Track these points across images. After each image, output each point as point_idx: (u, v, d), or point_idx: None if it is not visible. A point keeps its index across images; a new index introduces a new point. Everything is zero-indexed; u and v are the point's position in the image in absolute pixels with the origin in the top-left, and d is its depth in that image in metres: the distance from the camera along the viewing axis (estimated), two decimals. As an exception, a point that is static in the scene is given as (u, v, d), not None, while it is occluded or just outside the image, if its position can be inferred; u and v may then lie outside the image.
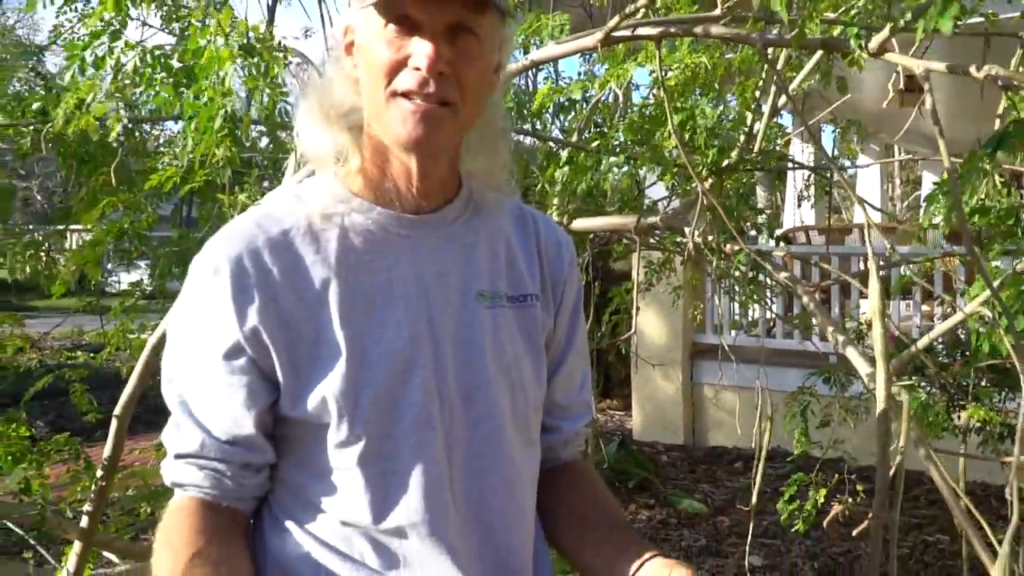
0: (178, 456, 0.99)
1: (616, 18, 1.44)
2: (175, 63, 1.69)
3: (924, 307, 5.84)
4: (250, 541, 1.02)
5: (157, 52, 1.74)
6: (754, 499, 2.37)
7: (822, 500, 2.94)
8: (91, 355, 3.55)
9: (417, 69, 0.92)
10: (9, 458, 2.28)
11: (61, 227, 3.98)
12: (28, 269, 2.98)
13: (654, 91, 2.10)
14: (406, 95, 0.93)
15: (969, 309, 1.45)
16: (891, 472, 1.44)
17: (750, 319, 6.59)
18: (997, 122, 1.56)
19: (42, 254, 3.03)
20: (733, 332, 6.60)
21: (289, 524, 1.01)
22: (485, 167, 1.08)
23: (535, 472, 1.11)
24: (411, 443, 0.98)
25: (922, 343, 1.61)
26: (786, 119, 5.92)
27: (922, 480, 5.45)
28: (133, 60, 1.73)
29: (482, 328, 1.04)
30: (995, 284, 1.45)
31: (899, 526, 4.99)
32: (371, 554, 0.98)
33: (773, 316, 6.24)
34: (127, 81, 1.80)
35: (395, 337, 0.98)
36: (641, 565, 1.00)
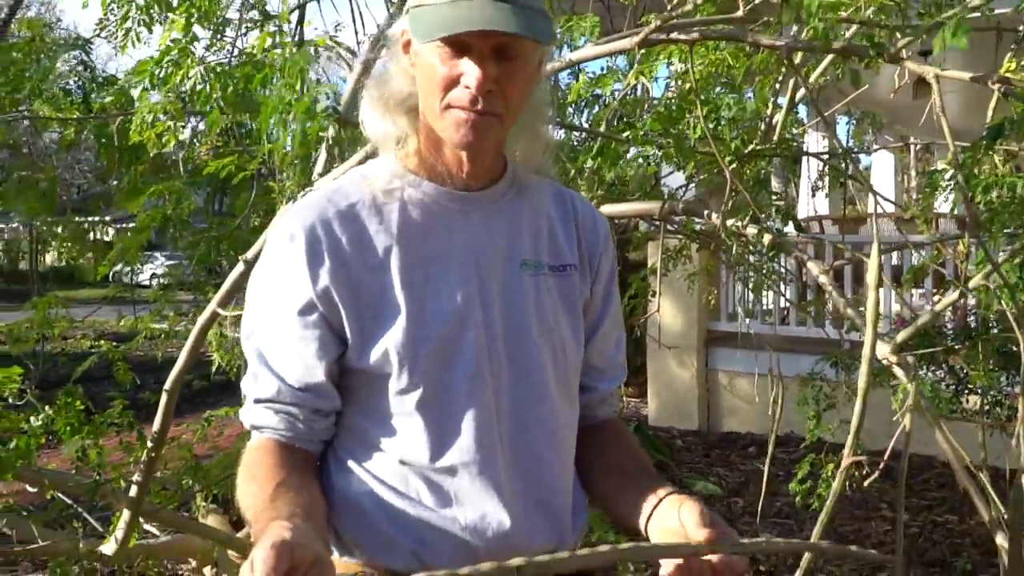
0: (256, 401, 1.12)
1: (654, 23, 1.57)
2: (234, 77, 1.82)
3: (936, 297, 5.94)
4: (318, 480, 1.15)
5: (219, 68, 1.88)
6: (767, 466, 2.48)
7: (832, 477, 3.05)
8: (114, 344, 3.70)
9: (468, 87, 1.05)
10: (68, 428, 2.42)
11: (88, 218, 4.12)
12: (75, 253, 3.12)
13: (679, 84, 2.22)
14: (459, 107, 1.07)
15: (973, 283, 1.56)
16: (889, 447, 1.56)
17: (763, 307, 6.69)
18: (989, 113, 1.67)
19: (88, 239, 3.17)
20: (747, 320, 6.72)
21: (352, 465, 1.14)
22: (527, 148, 1.20)
23: (574, 426, 1.23)
24: (464, 392, 1.10)
25: (927, 318, 1.73)
26: (802, 111, 6.02)
27: (933, 464, 5.57)
28: (195, 78, 1.86)
29: (526, 293, 1.16)
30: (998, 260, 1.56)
31: (909, 507, 5.11)
32: (425, 491, 1.11)
33: (787, 303, 6.34)
34: (186, 99, 1.94)
35: (449, 299, 1.11)
36: (658, 503, 1.10)
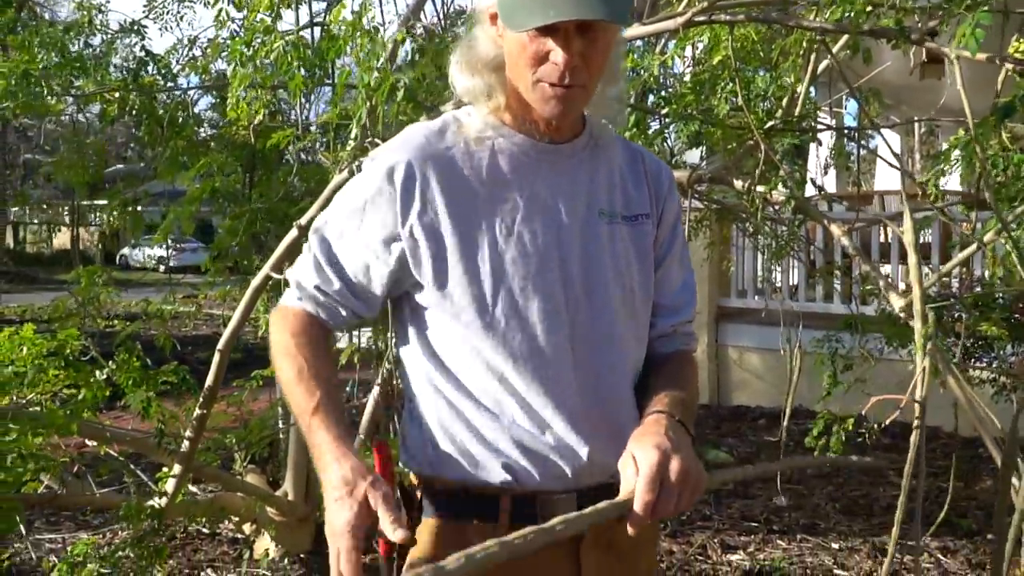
0: (316, 288, 1.25)
1: (699, 5, 1.70)
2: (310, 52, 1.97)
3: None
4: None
5: (298, 42, 2.03)
6: (785, 423, 2.62)
7: (849, 429, 3.21)
8: (127, 323, 3.84)
9: (556, 64, 1.15)
10: (130, 382, 2.58)
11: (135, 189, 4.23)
12: (123, 223, 3.26)
13: (707, 61, 2.35)
14: (548, 82, 1.17)
15: (987, 239, 1.70)
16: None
17: (773, 284, 6.83)
18: (999, 89, 1.80)
19: (133, 209, 3.31)
20: (757, 296, 6.86)
21: (441, 390, 1.24)
22: (605, 104, 1.29)
23: (640, 362, 1.33)
24: (542, 328, 1.20)
25: (948, 267, 1.86)
26: (814, 92, 6.13)
27: (939, 434, 5.73)
28: (278, 50, 2.00)
29: (601, 240, 1.26)
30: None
31: (916, 474, 5.23)
32: (512, 408, 1.21)
33: (795, 280, 6.47)
34: (269, 70, 2.08)
35: (531, 242, 1.22)
36: (642, 419, 1.20)
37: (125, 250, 24.39)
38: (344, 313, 1.27)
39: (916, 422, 1.50)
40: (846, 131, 3.10)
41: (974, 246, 1.82)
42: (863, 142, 2.91)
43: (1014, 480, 1.88)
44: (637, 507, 1.07)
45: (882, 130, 3.70)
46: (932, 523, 4.26)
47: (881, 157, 2.41)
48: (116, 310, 8.44)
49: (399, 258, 1.22)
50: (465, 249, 1.21)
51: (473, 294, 1.20)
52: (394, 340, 1.36)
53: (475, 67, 1.24)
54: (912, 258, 1.42)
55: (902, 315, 1.91)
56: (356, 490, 1.06)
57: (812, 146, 7.26)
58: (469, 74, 1.24)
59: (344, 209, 1.26)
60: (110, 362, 2.62)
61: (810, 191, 3.60)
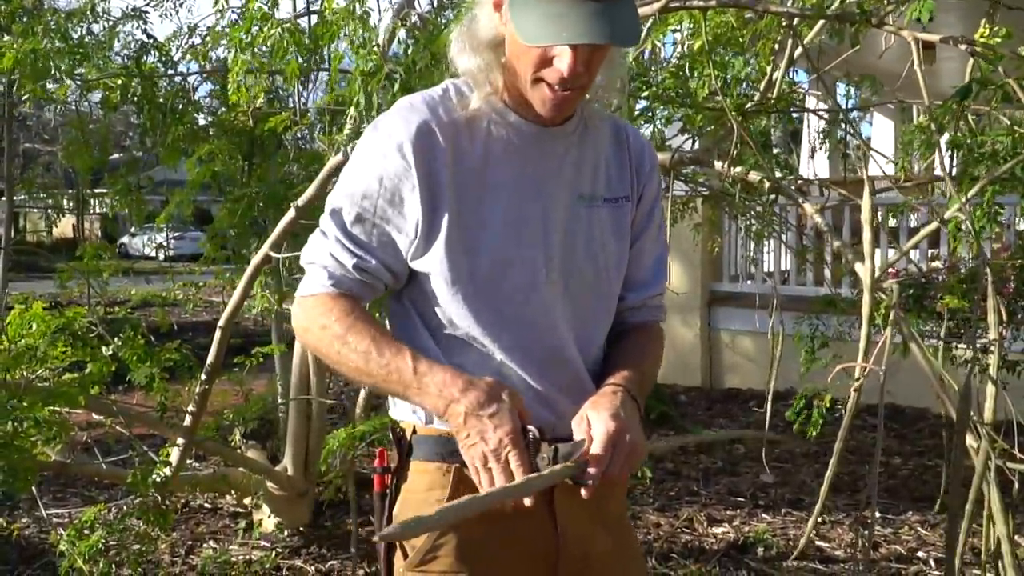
0: (355, 267, 1.26)
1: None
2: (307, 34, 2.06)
3: (931, 252, 6.18)
4: None
5: (294, 28, 2.12)
6: (769, 401, 2.73)
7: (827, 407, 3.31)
8: (128, 309, 3.94)
9: (559, 70, 1.18)
10: (134, 358, 2.69)
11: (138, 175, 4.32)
12: (126, 207, 3.36)
13: (686, 47, 2.44)
14: (548, 83, 1.20)
15: (948, 215, 1.80)
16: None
17: (763, 269, 6.93)
18: (967, 76, 1.90)
19: (136, 193, 3.41)
20: (749, 281, 6.96)
21: (424, 344, 1.30)
22: (603, 92, 1.32)
23: (606, 331, 1.41)
24: (520, 299, 1.28)
25: (907, 246, 1.97)
26: (802, 76, 6.22)
27: (926, 416, 5.85)
28: (274, 36, 2.10)
29: (579, 222, 1.33)
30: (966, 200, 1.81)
31: (902, 453, 5.37)
32: (490, 368, 1.27)
33: (787, 266, 6.57)
34: (266, 58, 2.17)
35: (517, 218, 1.27)
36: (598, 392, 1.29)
37: (125, 238, 24.47)
38: (380, 288, 1.30)
39: (853, 393, 1.59)
40: (818, 113, 3.19)
41: (934, 224, 1.92)
42: (850, 128, 3.00)
43: (971, 443, 1.98)
44: (592, 468, 1.17)
45: (875, 116, 3.78)
46: (917, 498, 4.39)
47: (860, 139, 2.51)
48: (116, 297, 8.53)
49: (414, 227, 1.25)
50: (457, 219, 1.25)
51: (456, 263, 1.25)
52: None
53: (475, 47, 1.27)
54: (867, 234, 1.52)
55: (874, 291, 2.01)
56: (503, 403, 1.17)
57: (804, 132, 7.36)
58: (469, 54, 1.27)
59: (359, 188, 1.27)
60: (115, 339, 2.72)
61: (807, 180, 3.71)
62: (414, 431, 1.34)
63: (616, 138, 1.40)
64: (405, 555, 1.30)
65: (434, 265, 1.27)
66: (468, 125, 1.28)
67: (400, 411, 1.37)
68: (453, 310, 1.28)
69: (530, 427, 1.17)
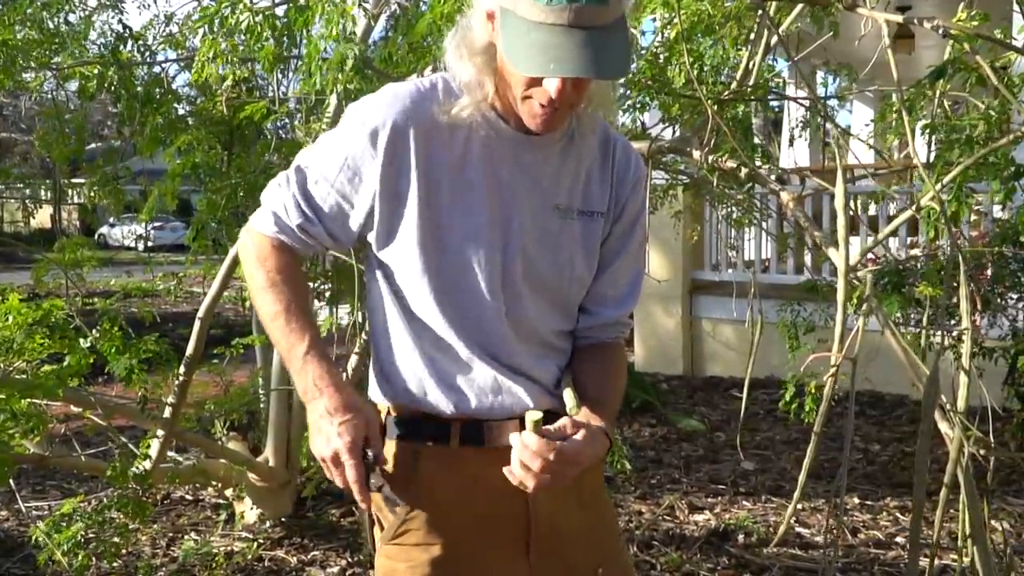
0: (299, 227, 1.31)
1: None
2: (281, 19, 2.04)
3: (910, 240, 6.23)
4: None
5: (267, 12, 2.11)
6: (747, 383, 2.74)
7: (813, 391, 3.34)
8: (107, 300, 3.90)
9: (548, 92, 1.19)
10: (113, 350, 2.67)
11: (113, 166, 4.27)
12: (104, 198, 3.33)
13: (663, 35, 2.44)
14: (538, 101, 1.21)
15: (923, 202, 1.81)
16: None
17: (744, 257, 6.96)
18: (946, 56, 1.91)
19: (115, 185, 3.38)
20: (730, 269, 6.99)
21: (397, 334, 1.37)
22: (596, 107, 1.33)
23: (565, 337, 1.43)
24: (478, 302, 1.31)
25: (884, 233, 1.98)
26: (783, 64, 6.23)
27: (904, 402, 5.90)
28: (247, 20, 2.08)
29: (550, 233, 1.34)
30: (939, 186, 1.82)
31: (882, 440, 5.42)
32: (454, 363, 1.34)
33: (769, 251, 6.60)
34: (240, 39, 2.15)
35: (483, 223, 1.29)
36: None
37: (104, 229, 24.29)
38: (319, 248, 1.37)
39: (828, 380, 1.60)
40: (797, 100, 3.20)
41: (909, 212, 1.93)
42: (828, 114, 3.01)
43: (946, 431, 2.00)
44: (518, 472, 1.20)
45: (855, 104, 3.80)
46: (896, 484, 4.44)
47: (836, 127, 2.52)
48: (96, 288, 8.48)
49: (368, 214, 1.30)
50: (422, 219, 1.28)
51: (419, 260, 1.29)
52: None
53: (470, 55, 1.27)
54: (841, 220, 1.53)
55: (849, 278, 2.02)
56: (354, 419, 1.25)
57: (785, 120, 7.38)
58: (463, 61, 1.28)
59: (327, 156, 1.30)
60: (93, 331, 2.70)
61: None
62: (388, 412, 1.40)
63: (603, 150, 1.39)
64: (382, 528, 1.37)
65: (399, 260, 1.32)
66: (450, 126, 1.28)
67: (373, 392, 1.42)
68: (420, 305, 1.32)
69: (369, 450, 1.26)
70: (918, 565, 1.71)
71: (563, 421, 1.24)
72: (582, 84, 1.22)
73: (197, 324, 2.83)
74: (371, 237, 1.34)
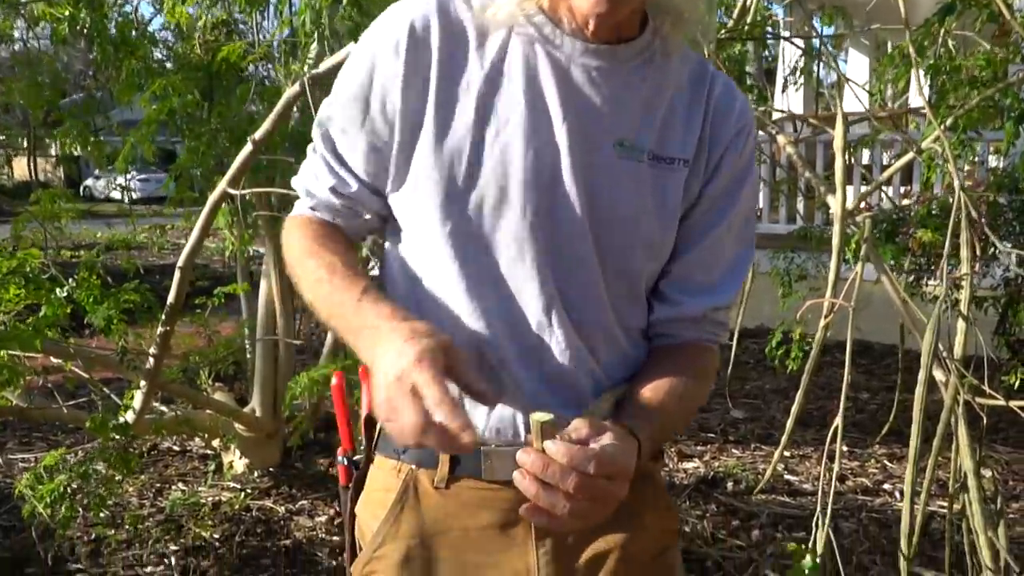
0: (332, 190, 1.06)
1: None
2: None
3: (904, 189, 6.18)
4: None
5: None
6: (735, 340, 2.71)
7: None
8: (90, 253, 3.83)
9: None
10: (91, 299, 2.60)
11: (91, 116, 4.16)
12: (79, 147, 3.24)
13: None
14: None
15: (924, 145, 1.76)
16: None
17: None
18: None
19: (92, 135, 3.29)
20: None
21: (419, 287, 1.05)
22: (681, 4, 1.02)
23: (627, 322, 1.07)
24: (507, 258, 0.99)
25: (882, 177, 1.93)
26: (779, 9, 6.11)
27: (894, 352, 5.90)
28: None
29: (609, 176, 1.00)
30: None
31: (871, 388, 5.43)
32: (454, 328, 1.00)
33: (760, 196, 6.53)
34: None
35: (521, 156, 0.98)
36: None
37: (89, 181, 23.98)
38: (365, 215, 1.08)
39: (821, 327, 1.56)
40: (792, 41, 3.11)
41: (910, 154, 1.88)
42: (825, 57, 2.93)
43: (940, 377, 1.97)
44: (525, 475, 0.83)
45: (851, 52, 3.72)
46: (884, 433, 4.45)
47: (835, 68, 2.45)
48: (81, 241, 8.38)
49: (398, 138, 1.01)
50: (438, 149, 0.99)
51: (434, 202, 1.00)
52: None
53: None
54: (839, 163, 1.47)
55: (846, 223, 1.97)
56: (435, 339, 0.86)
57: (780, 66, 7.27)
58: None
59: (347, 95, 1.04)
60: (70, 280, 2.63)
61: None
62: None
63: (695, 85, 1.06)
64: (355, 555, 1.13)
65: (400, 201, 1.04)
66: (481, 31, 1.01)
67: None
68: (430, 257, 1.02)
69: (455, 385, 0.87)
70: (915, 510, 1.69)
71: (576, 423, 0.86)
72: None
73: (177, 273, 2.76)
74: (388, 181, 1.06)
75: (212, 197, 2.61)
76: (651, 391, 1.01)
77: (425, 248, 1.03)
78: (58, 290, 2.56)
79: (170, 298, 2.82)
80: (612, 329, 1.05)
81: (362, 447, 1.17)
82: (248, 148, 2.48)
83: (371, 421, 1.12)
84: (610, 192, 1.00)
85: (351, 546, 1.15)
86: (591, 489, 0.81)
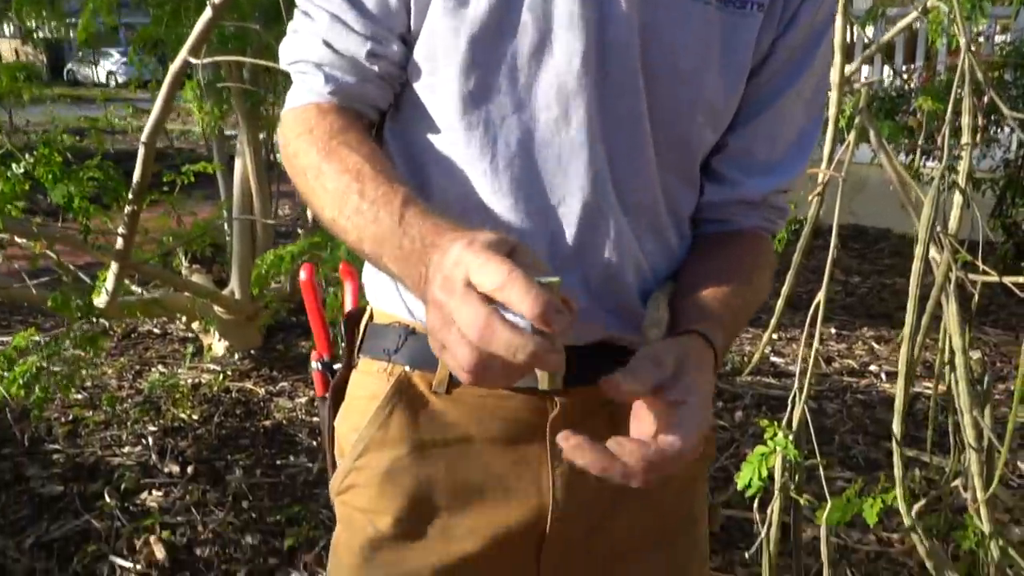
0: (361, 60, 0.82)
1: None
2: None
3: (905, 68, 5.98)
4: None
5: None
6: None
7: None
8: (76, 137, 3.67)
9: None
10: (50, 176, 2.48)
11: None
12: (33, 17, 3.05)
13: None
14: None
15: (931, 2, 1.62)
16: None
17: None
18: None
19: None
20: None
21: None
22: None
23: (679, 197, 0.90)
24: (544, 120, 0.81)
25: (884, 38, 1.79)
26: None
27: (888, 235, 5.84)
28: None
29: (668, 15, 0.81)
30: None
31: (862, 272, 5.38)
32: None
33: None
34: None
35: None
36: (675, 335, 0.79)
37: (72, 64, 23.26)
38: (397, 88, 0.86)
39: (814, 200, 1.47)
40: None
41: (914, 14, 1.74)
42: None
43: (933, 255, 1.89)
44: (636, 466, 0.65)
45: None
46: (873, 315, 4.42)
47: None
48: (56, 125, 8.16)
49: None
50: None
51: (455, 56, 0.80)
52: None
53: None
54: (839, 20, 1.34)
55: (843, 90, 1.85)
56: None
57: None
58: None
59: None
60: (27, 155, 2.51)
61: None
62: (371, 317, 0.96)
63: None
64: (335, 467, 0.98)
65: (415, 67, 0.83)
66: None
67: (368, 285, 0.97)
68: (445, 133, 0.83)
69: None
70: (911, 388, 1.64)
71: (641, 368, 0.68)
72: None
73: (141, 149, 2.63)
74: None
75: (173, 67, 2.46)
76: (715, 289, 0.83)
77: (439, 121, 0.83)
78: (14, 165, 2.44)
79: (136, 175, 2.70)
80: (660, 214, 0.87)
81: (343, 352, 1.01)
82: (208, 14, 2.31)
83: (353, 319, 0.98)
84: (671, 37, 0.81)
85: (332, 465, 0.99)
86: (651, 472, 0.65)
